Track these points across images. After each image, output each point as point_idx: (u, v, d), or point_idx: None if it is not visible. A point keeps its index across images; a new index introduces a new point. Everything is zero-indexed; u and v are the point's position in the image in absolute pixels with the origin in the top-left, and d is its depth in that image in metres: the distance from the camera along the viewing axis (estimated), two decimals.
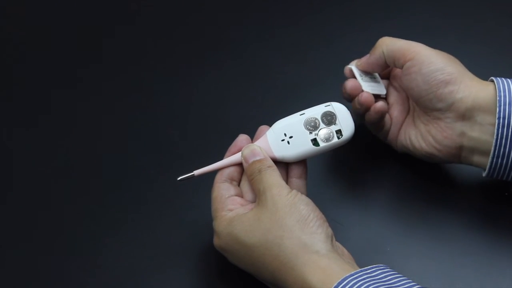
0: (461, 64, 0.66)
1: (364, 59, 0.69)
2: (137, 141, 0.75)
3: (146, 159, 0.73)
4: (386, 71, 0.71)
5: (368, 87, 0.68)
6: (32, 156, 0.74)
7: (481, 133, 0.63)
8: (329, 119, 0.63)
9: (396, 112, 0.69)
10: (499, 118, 0.61)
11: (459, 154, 0.65)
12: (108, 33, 0.85)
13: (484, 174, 0.64)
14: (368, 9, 0.85)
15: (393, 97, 0.70)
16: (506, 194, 0.69)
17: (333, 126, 0.63)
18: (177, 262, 0.66)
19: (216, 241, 0.61)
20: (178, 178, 0.64)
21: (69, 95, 0.80)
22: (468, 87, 0.63)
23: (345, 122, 0.63)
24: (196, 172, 0.64)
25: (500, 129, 0.61)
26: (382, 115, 0.67)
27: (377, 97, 0.68)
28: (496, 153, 0.62)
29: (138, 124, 0.76)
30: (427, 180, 0.70)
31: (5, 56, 0.84)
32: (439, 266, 0.65)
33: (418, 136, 0.67)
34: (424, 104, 0.65)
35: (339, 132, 0.63)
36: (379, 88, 0.69)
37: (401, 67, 0.66)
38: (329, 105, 0.63)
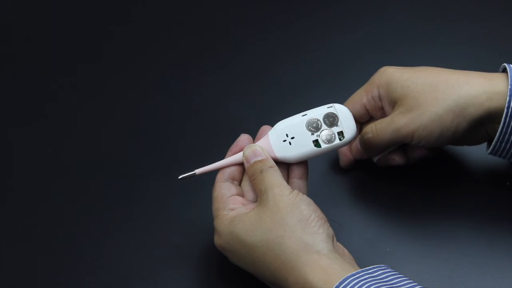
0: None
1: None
2: (137, 141, 0.75)
3: (146, 159, 0.73)
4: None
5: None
6: (32, 156, 0.74)
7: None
8: (331, 120, 0.63)
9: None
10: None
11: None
12: (107, 34, 0.85)
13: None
14: (369, 9, 0.86)
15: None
16: (508, 184, 0.69)
17: (335, 127, 0.62)
18: (177, 262, 0.66)
19: (217, 241, 0.61)
20: (179, 177, 0.63)
21: (69, 94, 0.80)
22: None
23: (347, 124, 0.63)
24: (197, 171, 0.63)
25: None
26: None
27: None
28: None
29: (138, 124, 0.76)
30: (427, 180, 0.70)
31: (5, 55, 0.84)
32: (440, 266, 0.65)
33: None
34: None
35: (340, 133, 0.63)
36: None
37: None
38: (331, 107, 0.63)
